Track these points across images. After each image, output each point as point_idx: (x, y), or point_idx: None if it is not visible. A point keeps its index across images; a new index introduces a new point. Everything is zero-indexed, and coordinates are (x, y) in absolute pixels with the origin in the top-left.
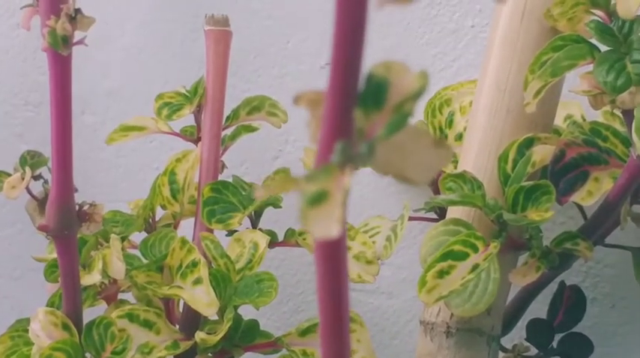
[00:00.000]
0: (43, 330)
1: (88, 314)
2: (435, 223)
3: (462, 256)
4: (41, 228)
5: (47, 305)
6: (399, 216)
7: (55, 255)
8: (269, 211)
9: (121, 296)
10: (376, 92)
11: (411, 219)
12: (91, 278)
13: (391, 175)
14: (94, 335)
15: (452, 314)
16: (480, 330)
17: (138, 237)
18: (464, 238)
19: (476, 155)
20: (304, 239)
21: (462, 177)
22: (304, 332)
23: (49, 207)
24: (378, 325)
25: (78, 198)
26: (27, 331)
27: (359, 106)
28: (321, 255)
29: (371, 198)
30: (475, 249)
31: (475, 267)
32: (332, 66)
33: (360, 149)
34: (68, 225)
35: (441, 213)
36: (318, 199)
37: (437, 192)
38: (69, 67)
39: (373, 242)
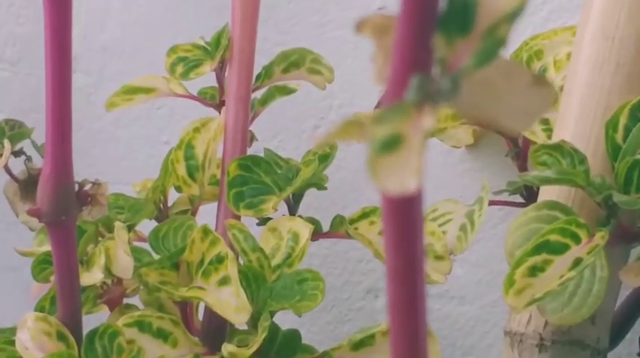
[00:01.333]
0: (34, 341)
1: (86, 321)
2: (522, 208)
3: (561, 248)
4: (31, 213)
5: (36, 311)
6: (476, 199)
7: (45, 248)
8: (310, 194)
9: (125, 300)
10: (461, 13)
11: (491, 203)
12: (90, 277)
13: (479, 120)
14: (97, 347)
15: (546, 323)
16: (582, 343)
17: (147, 226)
18: (562, 226)
19: (576, 121)
20: (356, 229)
21: (559, 148)
22: (358, 346)
23: (43, 187)
24: (447, 338)
25: None
26: (12, 343)
27: (439, 32)
28: (393, 217)
29: (439, 176)
30: (577, 240)
31: (577, 262)
32: None
33: (440, 84)
34: (66, 208)
35: (529, 195)
36: (391, 145)
37: (524, 168)
38: (69, 11)
39: (443, 232)
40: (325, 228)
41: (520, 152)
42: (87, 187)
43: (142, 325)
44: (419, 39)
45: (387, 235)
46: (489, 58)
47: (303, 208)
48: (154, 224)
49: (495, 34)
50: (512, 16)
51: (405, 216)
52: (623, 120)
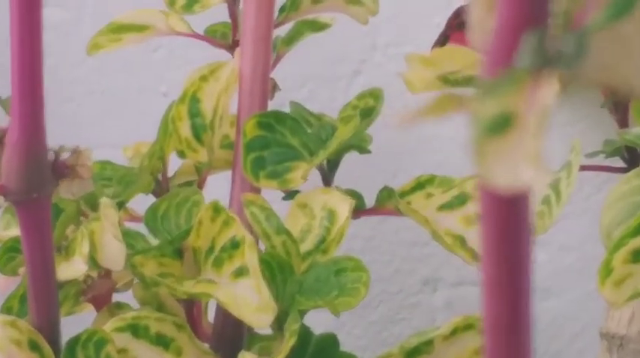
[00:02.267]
0: (0, 351)
1: (66, 325)
2: (623, 175)
3: None
4: None
5: (2, 313)
6: (562, 163)
7: (13, 233)
8: (350, 160)
9: (115, 297)
10: None
11: (583, 168)
12: (70, 268)
13: (608, 85)
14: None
15: None
16: None
17: (141, 202)
18: None
19: None
20: (408, 203)
21: None
22: (412, 353)
23: (8, 157)
24: None
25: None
26: None
27: None
28: (496, 215)
29: None
30: None
31: None
32: None
33: (562, 44)
34: (39, 183)
35: (632, 158)
36: (501, 124)
37: (625, 123)
38: None
39: None
40: (369, 202)
41: (620, 102)
42: (64, 156)
43: (136, 329)
44: None
45: (484, 240)
46: (626, 10)
47: (340, 178)
48: (150, 200)
49: None
50: None
51: (511, 215)
52: None
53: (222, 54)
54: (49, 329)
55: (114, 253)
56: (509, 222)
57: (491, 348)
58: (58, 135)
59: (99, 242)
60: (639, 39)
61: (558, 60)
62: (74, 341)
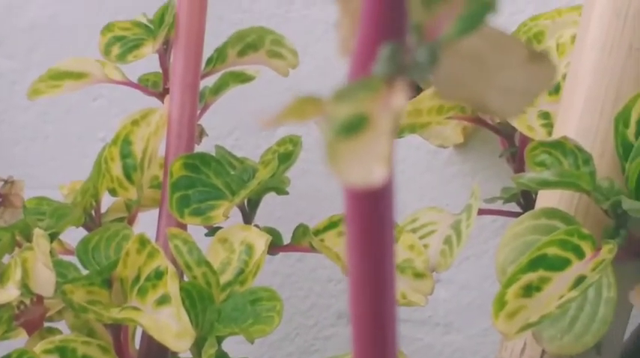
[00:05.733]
0: None
1: (2, 351)
2: (518, 217)
3: (561, 264)
4: None
5: None
6: (463, 207)
7: None
8: (271, 201)
9: (48, 323)
10: None
11: (481, 212)
12: (4, 294)
13: (462, 100)
14: None
15: (543, 352)
16: None
17: (74, 235)
18: (563, 237)
19: (581, 114)
20: (322, 241)
21: (560, 146)
22: None
23: None
24: None
25: None
26: None
27: None
28: (357, 214)
29: (423, 181)
30: (580, 254)
31: (579, 279)
32: None
33: (416, 55)
34: None
35: (527, 203)
36: (354, 126)
37: (521, 171)
38: None
39: (425, 246)
40: (287, 239)
41: (517, 152)
42: None
43: (64, 351)
44: (390, 1)
45: (349, 238)
46: (475, 25)
47: (262, 217)
48: (83, 232)
49: None
50: None
51: (371, 213)
52: (635, 114)
53: (153, 101)
54: None
55: (44, 280)
56: (370, 218)
57: (357, 348)
58: (4, 173)
59: (31, 269)
60: (491, 57)
61: (412, 69)
62: None
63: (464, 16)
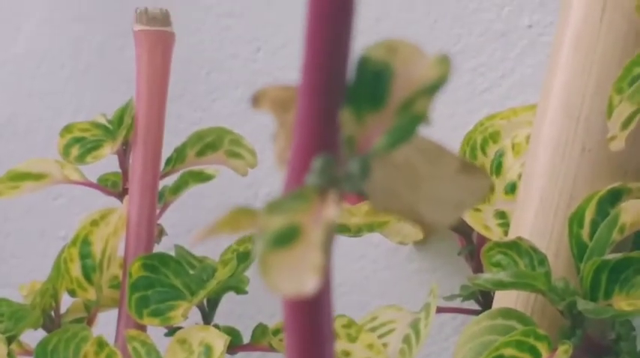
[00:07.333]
0: None
1: None
2: (476, 316)
3: None
4: None
5: None
6: (422, 305)
7: None
8: (231, 300)
9: None
10: (373, 84)
11: (440, 310)
12: None
13: (395, 211)
14: None
15: None
16: None
17: (33, 337)
18: (519, 338)
19: (536, 214)
20: (281, 340)
21: (516, 246)
22: None
23: None
24: None
25: None
26: None
27: (348, 105)
28: (295, 326)
29: (382, 279)
30: (536, 355)
31: None
32: (306, 46)
33: (348, 167)
34: None
35: (486, 301)
36: (286, 238)
37: (479, 269)
38: None
39: (384, 345)
40: (247, 338)
41: (475, 250)
42: None
43: None
44: (323, 114)
45: (288, 347)
46: (405, 137)
47: (223, 316)
48: (43, 334)
49: (412, 110)
50: (433, 88)
51: (308, 324)
52: (589, 214)
53: (112, 201)
54: None
55: None
56: (307, 328)
57: None
58: None
59: None
60: (423, 168)
61: (345, 181)
62: None
63: (394, 128)
